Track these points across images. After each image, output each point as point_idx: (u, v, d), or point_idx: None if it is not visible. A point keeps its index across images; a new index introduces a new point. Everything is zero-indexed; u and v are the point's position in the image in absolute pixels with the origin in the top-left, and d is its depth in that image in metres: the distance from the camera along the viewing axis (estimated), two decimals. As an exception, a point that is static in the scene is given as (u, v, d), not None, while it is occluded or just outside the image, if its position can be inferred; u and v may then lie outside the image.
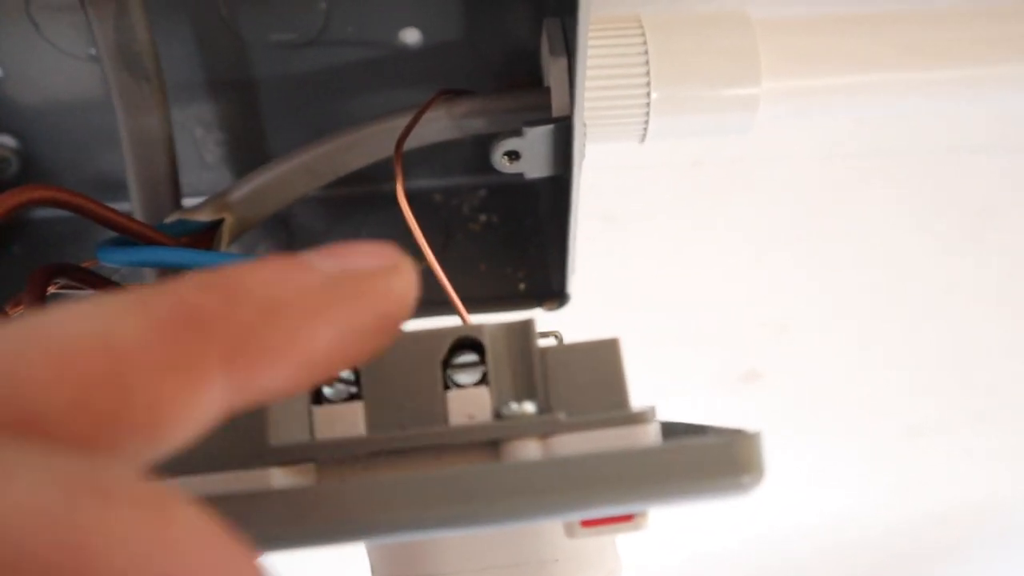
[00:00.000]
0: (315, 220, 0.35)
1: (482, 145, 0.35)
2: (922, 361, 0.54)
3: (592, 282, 0.39)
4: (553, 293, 0.33)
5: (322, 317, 0.14)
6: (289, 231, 0.35)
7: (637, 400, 0.21)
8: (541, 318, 0.34)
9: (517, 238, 0.34)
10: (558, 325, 0.36)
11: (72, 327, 0.11)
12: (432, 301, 0.33)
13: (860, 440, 0.60)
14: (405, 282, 0.16)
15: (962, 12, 0.29)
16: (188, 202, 0.32)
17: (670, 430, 0.23)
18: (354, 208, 0.35)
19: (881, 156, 0.40)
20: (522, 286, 0.33)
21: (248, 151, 0.34)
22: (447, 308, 0.33)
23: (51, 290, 0.25)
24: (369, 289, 0.15)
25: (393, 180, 0.35)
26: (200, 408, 0.12)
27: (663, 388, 0.51)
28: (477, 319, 0.32)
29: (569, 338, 0.38)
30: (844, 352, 0.53)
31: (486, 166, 0.36)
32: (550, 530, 0.24)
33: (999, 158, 0.42)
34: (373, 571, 0.25)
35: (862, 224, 0.45)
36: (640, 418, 0.20)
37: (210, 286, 0.13)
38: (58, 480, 0.10)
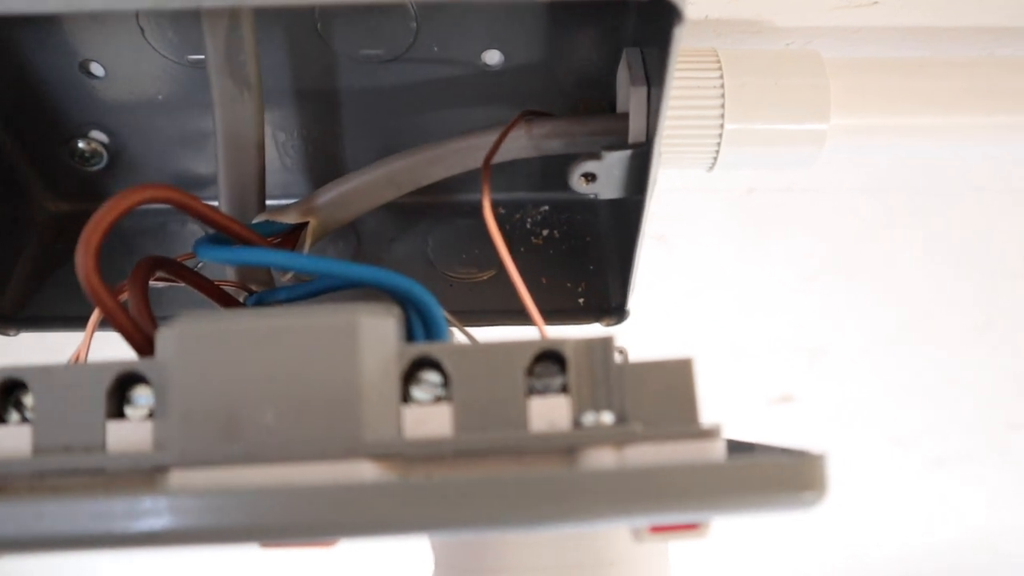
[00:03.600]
0: (384, 226, 0.36)
1: (546, 162, 0.36)
2: (950, 394, 0.55)
3: (637, 296, 0.40)
4: (612, 309, 0.34)
5: None
6: (358, 235, 0.36)
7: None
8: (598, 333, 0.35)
9: (577, 254, 0.36)
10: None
11: None
12: (496, 311, 0.34)
13: (882, 468, 0.61)
14: None
15: (1025, 62, 0.31)
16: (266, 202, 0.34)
17: (733, 447, 0.25)
18: (421, 216, 0.37)
19: (932, 191, 0.41)
20: (581, 300, 0.35)
21: (325, 158, 0.35)
22: (510, 318, 0.34)
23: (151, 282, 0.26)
24: None
25: (460, 191, 0.37)
26: None
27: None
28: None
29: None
30: (878, 381, 0.54)
31: (549, 182, 0.38)
32: (609, 536, 0.26)
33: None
34: (436, 563, 0.27)
35: (905, 257, 0.46)
36: (710, 434, 0.21)
37: None
38: None
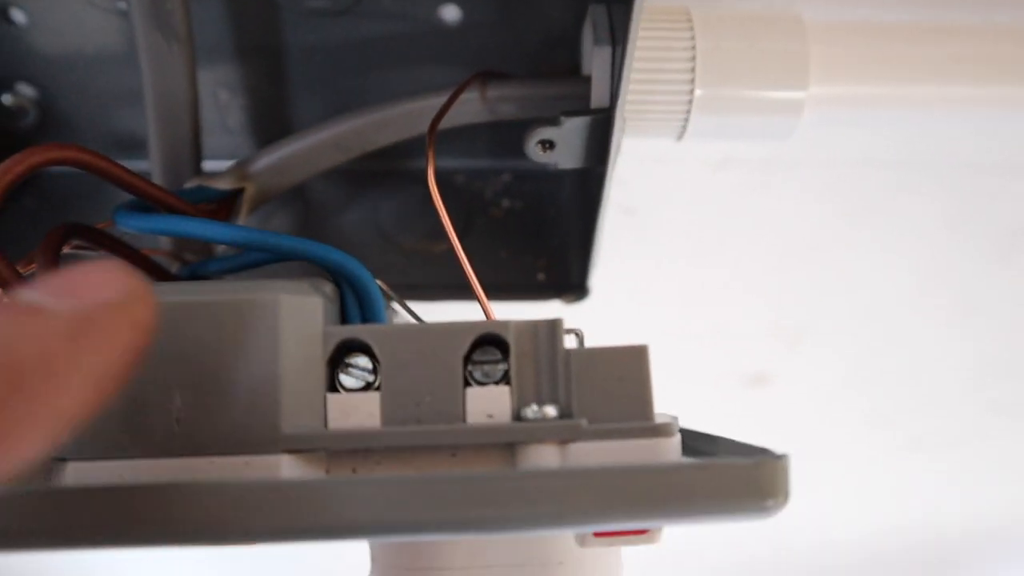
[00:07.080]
0: (333, 193, 0.34)
1: (508, 128, 0.34)
2: (932, 376, 0.54)
3: (606, 272, 0.38)
4: (573, 286, 0.32)
5: (72, 372, 0.13)
6: (306, 202, 0.34)
7: (659, 407, 0.21)
8: (559, 311, 0.33)
9: (539, 227, 0.34)
10: (566, 314, 0.35)
11: None
12: (453, 285, 0.32)
13: (859, 452, 0.60)
14: (146, 310, 0.15)
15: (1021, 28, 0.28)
16: (207, 165, 0.31)
17: (690, 440, 0.23)
18: (373, 183, 0.34)
19: (915, 168, 0.39)
20: (541, 276, 0.33)
21: (271, 118, 0.33)
22: (468, 293, 0.32)
23: (65, 250, 0.24)
24: (115, 328, 0.14)
25: (414, 157, 0.35)
26: None
27: (667, 381, 0.50)
28: (494, 308, 0.31)
29: (582, 328, 0.37)
30: (855, 362, 0.52)
31: (511, 150, 0.35)
32: (558, 534, 0.24)
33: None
34: (373, 560, 0.25)
35: (887, 235, 0.44)
36: (663, 431, 0.19)
37: None
38: None
